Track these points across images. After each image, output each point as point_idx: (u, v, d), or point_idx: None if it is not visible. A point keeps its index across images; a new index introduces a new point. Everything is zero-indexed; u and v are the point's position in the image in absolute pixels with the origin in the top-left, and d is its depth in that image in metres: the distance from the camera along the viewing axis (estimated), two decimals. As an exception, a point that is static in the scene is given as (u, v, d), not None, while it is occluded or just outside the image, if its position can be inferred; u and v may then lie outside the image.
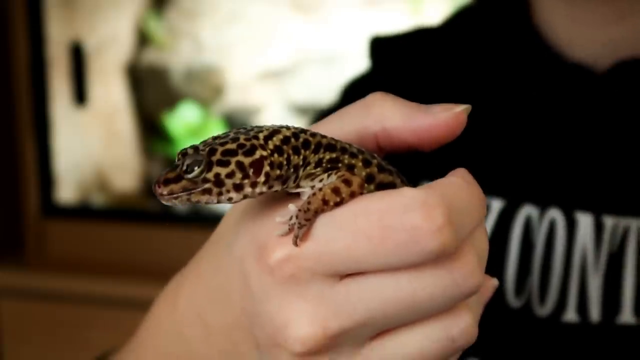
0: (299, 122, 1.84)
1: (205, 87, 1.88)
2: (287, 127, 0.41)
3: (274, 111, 1.86)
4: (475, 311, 0.41)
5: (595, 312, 0.63)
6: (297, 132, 0.41)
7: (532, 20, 0.71)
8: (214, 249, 0.47)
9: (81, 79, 1.87)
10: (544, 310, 0.65)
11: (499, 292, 0.65)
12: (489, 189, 0.67)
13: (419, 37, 0.78)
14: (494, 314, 0.62)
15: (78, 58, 1.86)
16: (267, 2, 1.84)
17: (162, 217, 1.87)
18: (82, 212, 1.90)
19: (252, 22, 1.85)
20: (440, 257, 0.37)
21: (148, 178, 1.96)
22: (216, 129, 1.87)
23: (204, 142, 0.40)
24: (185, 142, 1.89)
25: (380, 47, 0.78)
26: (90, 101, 1.88)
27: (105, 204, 1.95)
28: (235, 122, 1.87)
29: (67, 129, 1.88)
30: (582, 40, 0.68)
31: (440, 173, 0.42)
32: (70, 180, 1.91)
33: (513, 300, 0.66)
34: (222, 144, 0.39)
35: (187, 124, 1.89)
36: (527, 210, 0.66)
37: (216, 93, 1.88)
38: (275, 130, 0.40)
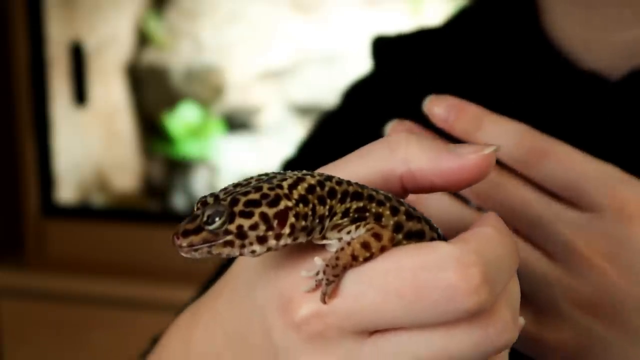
0: (298, 122, 1.84)
1: (205, 87, 1.88)
2: (312, 175, 0.39)
3: (274, 111, 1.86)
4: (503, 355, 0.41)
5: None
6: (322, 180, 0.38)
7: (540, 23, 0.68)
8: (231, 288, 0.45)
9: (81, 79, 1.87)
10: None
11: None
12: None
13: (422, 39, 0.75)
14: None
15: (78, 58, 1.86)
16: (267, 2, 1.84)
17: (162, 217, 1.87)
18: (82, 212, 1.90)
19: (252, 22, 1.85)
20: (475, 315, 0.37)
21: (148, 178, 1.96)
22: (216, 129, 1.87)
23: (225, 191, 0.38)
24: (185, 142, 1.89)
25: (383, 47, 0.76)
26: (90, 101, 1.88)
27: (105, 204, 1.95)
28: (235, 122, 1.87)
29: (67, 129, 1.88)
30: (597, 45, 0.65)
31: None
32: (70, 180, 1.91)
33: None
34: (244, 194, 0.37)
35: (187, 124, 1.89)
36: None
37: (216, 93, 1.88)
38: (299, 178, 0.38)
